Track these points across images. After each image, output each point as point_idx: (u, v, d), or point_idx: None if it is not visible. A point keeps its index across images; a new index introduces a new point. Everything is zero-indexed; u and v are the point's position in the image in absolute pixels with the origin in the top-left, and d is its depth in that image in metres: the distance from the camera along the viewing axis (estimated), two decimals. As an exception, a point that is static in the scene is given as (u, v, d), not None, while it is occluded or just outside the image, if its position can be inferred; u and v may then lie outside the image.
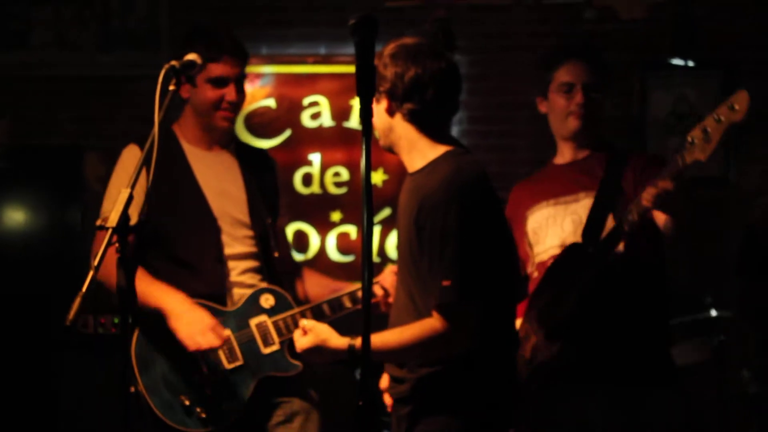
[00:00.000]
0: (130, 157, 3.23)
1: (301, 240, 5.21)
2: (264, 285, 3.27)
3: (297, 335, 2.67)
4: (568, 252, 3.12)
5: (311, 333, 2.62)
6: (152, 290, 3.10)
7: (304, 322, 2.67)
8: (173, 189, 3.23)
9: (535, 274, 3.24)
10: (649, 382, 3.05)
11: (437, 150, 2.63)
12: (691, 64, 5.14)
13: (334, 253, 5.25)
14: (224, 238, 3.25)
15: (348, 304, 3.26)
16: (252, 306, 3.23)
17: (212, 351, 3.10)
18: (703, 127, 2.69)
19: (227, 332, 3.15)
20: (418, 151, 2.65)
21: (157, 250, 3.20)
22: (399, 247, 2.69)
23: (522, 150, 5.09)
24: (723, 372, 4.10)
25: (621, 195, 3.09)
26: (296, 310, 3.23)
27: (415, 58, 2.59)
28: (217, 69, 3.22)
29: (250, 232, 3.30)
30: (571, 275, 3.06)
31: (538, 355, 3.08)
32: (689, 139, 2.71)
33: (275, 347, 3.20)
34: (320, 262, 5.17)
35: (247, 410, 3.14)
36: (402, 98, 2.60)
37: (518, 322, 3.16)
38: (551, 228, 3.21)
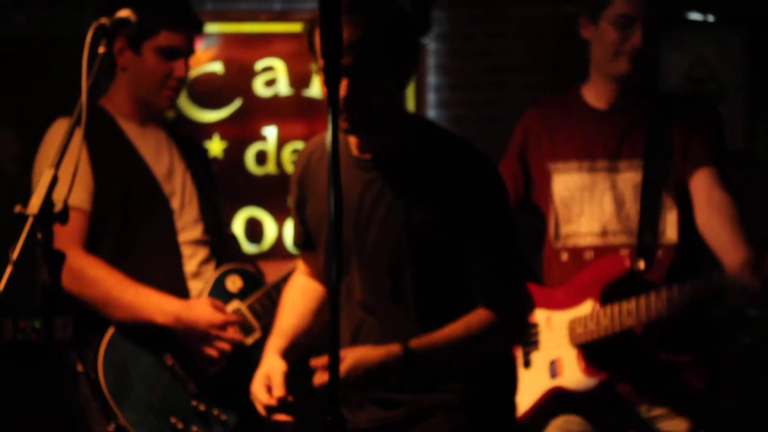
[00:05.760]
0: (60, 133, 3.21)
1: (255, 229, 5.22)
2: (224, 267, 3.30)
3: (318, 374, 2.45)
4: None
5: (345, 360, 2.43)
6: (140, 297, 3.12)
7: (323, 359, 2.39)
8: (116, 169, 3.24)
9: (564, 257, 3.28)
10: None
11: None
12: (711, 19, 5.17)
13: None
14: (176, 222, 3.29)
15: None
16: (219, 294, 3.27)
17: (195, 358, 3.15)
18: None
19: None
20: None
21: (104, 240, 3.21)
22: None
23: (515, 121, 5.08)
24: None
25: (671, 165, 3.16)
26: (269, 285, 3.26)
27: None
28: (170, 38, 3.25)
29: (198, 216, 3.34)
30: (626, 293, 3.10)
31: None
32: None
33: (257, 334, 3.24)
34: (277, 253, 5.19)
35: (247, 413, 3.13)
36: None
37: (539, 313, 3.25)
38: (587, 205, 3.24)
